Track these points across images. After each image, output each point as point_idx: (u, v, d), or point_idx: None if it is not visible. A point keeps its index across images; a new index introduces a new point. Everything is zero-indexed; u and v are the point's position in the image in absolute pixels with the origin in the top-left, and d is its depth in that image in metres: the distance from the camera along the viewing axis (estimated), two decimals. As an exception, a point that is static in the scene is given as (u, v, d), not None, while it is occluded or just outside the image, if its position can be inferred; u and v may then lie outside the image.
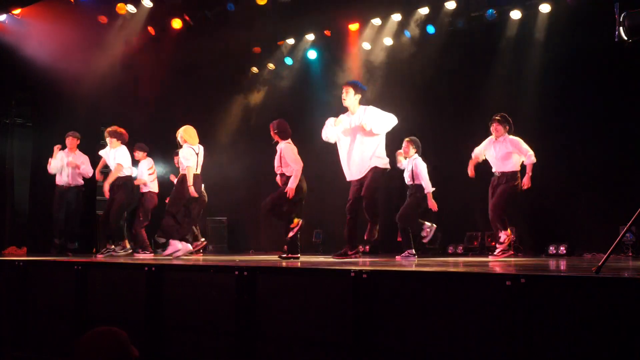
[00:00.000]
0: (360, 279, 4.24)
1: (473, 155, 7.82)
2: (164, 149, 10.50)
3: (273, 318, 4.70)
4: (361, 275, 4.24)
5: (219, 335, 4.99)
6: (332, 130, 6.78)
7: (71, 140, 9.58)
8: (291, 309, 4.61)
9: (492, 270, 4.64)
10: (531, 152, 7.39)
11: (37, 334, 6.36)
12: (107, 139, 8.92)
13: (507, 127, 7.58)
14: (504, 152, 7.52)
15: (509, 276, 3.66)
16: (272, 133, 7.41)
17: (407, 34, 10.31)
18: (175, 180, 8.52)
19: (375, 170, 6.74)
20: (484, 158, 7.77)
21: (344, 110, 6.98)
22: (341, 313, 4.29)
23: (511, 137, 7.54)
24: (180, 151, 7.89)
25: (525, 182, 7.39)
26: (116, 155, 8.82)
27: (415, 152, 8.18)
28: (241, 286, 4.86)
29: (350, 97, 6.65)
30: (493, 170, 7.66)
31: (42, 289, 6.40)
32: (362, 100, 6.70)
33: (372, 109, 6.74)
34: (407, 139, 8.25)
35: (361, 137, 6.70)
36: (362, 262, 6.08)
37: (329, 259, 7.04)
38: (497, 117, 7.61)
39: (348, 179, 6.93)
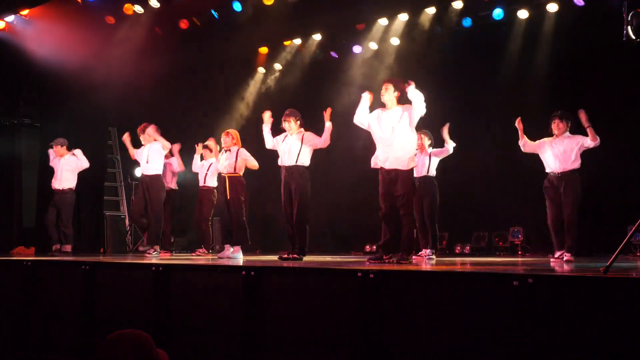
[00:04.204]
0: (367, 278, 4.24)
1: (524, 141, 7.08)
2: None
3: (280, 318, 4.70)
4: (368, 275, 4.24)
5: (225, 335, 5.00)
6: (364, 115, 6.53)
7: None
8: (298, 308, 4.61)
9: (499, 270, 4.64)
10: (598, 139, 6.68)
11: (44, 333, 6.38)
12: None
13: (569, 124, 6.85)
14: (567, 149, 6.74)
15: (516, 276, 3.66)
16: (294, 122, 7.46)
17: (414, 33, 10.30)
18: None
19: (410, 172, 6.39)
20: (528, 148, 7.07)
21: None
22: (348, 313, 4.29)
23: (576, 135, 6.83)
24: (244, 152, 8.24)
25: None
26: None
27: (430, 145, 8.00)
28: (248, 286, 4.87)
29: (389, 94, 6.51)
30: (549, 170, 6.85)
31: (50, 288, 6.41)
32: (400, 99, 6.53)
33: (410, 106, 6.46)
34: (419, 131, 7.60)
35: (399, 132, 6.39)
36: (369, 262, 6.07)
37: (336, 258, 7.02)
38: (557, 114, 6.87)
39: (387, 167, 6.34)
